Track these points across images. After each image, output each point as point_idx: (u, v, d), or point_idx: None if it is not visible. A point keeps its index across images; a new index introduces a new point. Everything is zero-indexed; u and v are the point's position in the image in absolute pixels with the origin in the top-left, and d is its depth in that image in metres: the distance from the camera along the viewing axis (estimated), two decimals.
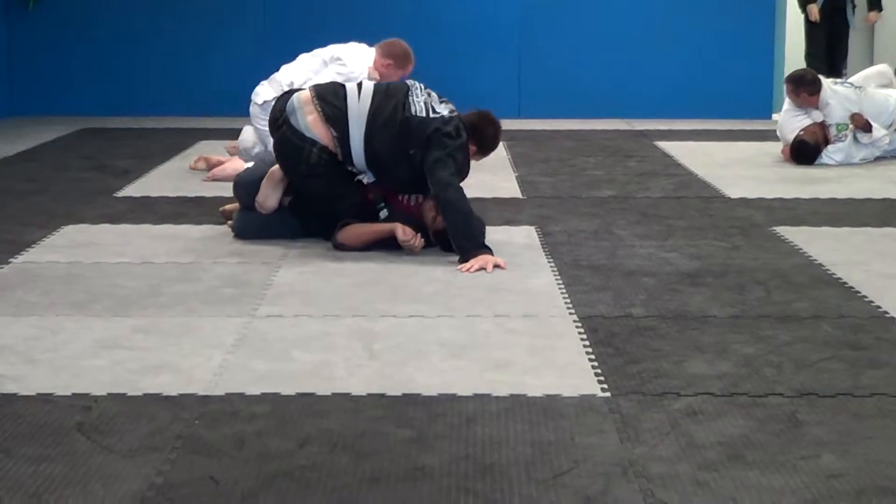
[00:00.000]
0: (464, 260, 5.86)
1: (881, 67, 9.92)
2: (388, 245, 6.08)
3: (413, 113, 6.13)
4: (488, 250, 5.89)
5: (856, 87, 9.15)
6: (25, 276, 5.61)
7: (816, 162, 8.95)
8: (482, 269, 5.76)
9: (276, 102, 6.42)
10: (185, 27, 12.10)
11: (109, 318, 4.94)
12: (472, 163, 6.28)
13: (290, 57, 11.82)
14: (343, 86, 6.36)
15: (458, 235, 5.94)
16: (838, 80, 9.56)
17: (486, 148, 6.34)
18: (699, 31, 11.92)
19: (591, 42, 12.10)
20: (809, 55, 12.03)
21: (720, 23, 11.81)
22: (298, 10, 12.08)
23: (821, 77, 9.24)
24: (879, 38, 13.46)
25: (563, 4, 12.08)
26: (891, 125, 9.11)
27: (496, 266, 5.77)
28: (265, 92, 7.92)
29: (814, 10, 11.89)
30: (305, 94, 6.30)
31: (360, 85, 6.33)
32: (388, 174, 6.21)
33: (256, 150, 8.06)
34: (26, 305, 5.13)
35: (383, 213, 6.21)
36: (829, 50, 11.95)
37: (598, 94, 12.08)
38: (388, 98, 6.22)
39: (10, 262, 5.87)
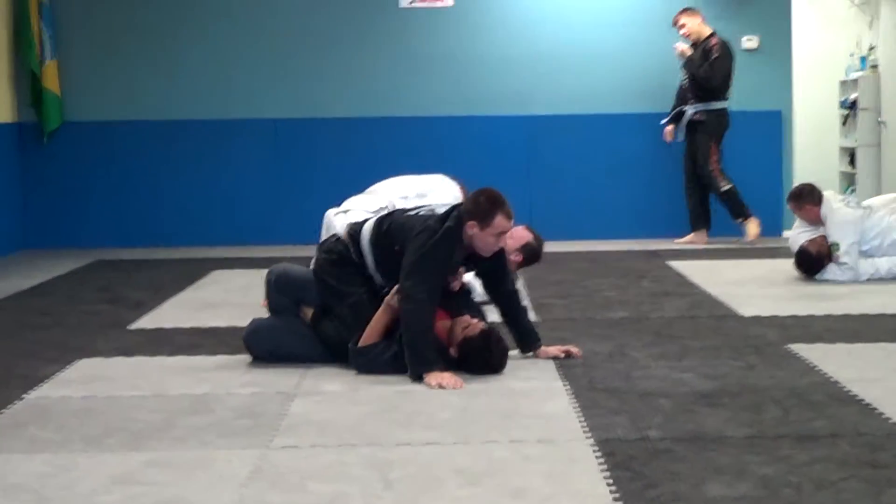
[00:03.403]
0: (413, 375, 5.97)
1: None
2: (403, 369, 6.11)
3: (402, 213, 6.43)
4: (438, 367, 5.95)
5: (863, 208, 9.17)
6: (38, 412, 5.59)
7: (822, 277, 8.96)
8: (440, 385, 5.83)
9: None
10: (197, 158, 12.22)
11: (123, 452, 4.92)
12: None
13: (301, 186, 12.04)
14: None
15: (407, 352, 6.02)
16: (850, 199, 9.53)
17: (484, 218, 6.16)
18: None
19: (601, 163, 12.21)
20: None
21: (729, 142, 11.87)
22: (310, 140, 12.21)
23: (823, 192, 9.28)
24: (885, 155, 13.53)
25: (571, 127, 12.20)
26: (879, 246, 9.09)
27: (447, 384, 5.84)
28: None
29: (667, 130, 11.79)
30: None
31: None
32: (392, 274, 6.26)
33: None
34: (39, 442, 5.10)
35: None
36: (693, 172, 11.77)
37: (610, 215, 12.15)
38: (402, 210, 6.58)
39: (23, 398, 5.85)
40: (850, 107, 14.18)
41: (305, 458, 4.80)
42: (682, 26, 11.59)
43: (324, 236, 7.93)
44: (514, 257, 7.74)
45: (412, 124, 12.19)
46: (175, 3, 12.20)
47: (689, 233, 11.75)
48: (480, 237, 6.18)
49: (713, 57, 11.38)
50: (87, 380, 6.25)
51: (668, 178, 12.01)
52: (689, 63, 11.50)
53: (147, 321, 8.00)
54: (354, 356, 6.23)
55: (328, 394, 5.85)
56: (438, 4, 12.17)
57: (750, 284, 9.03)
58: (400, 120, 12.20)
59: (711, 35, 11.53)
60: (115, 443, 5.05)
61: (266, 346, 6.51)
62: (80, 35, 12.18)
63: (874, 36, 13.90)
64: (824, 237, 9.07)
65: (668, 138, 11.75)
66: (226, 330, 7.48)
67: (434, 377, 5.89)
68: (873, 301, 8.13)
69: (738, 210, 11.58)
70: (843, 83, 14.51)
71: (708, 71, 11.37)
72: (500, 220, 6.16)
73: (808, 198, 9.20)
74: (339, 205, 8.19)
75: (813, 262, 9.03)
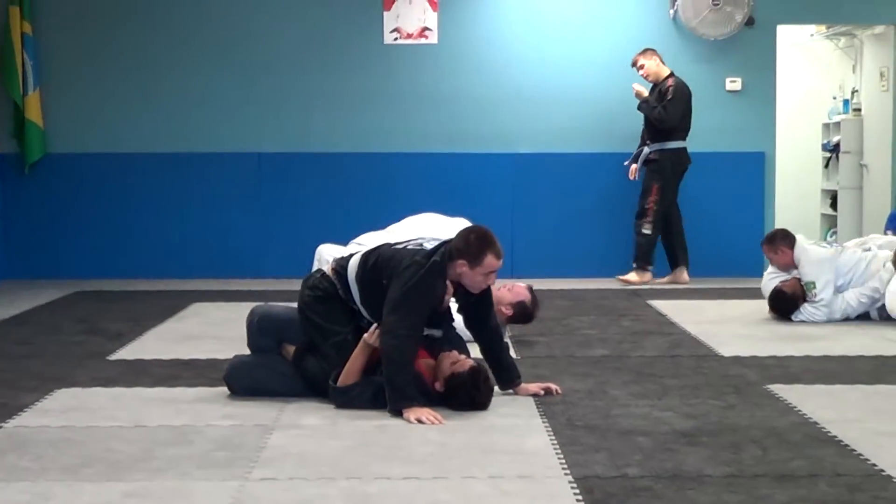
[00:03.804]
0: (392, 410, 5.98)
1: None
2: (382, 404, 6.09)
3: (389, 247, 6.37)
4: (418, 403, 5.95)
5: (833, 246, 9.28)
6: (17, 441, 5.57)
7: (797, 318, 9.01)
8: (419, 420, 5.85)
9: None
10: (180, 191, 12.20)
11: (101, 482, 4.90)
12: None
13: (284, 221, 12.04)
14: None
15: (387, 386, 6.02)
16: (821, 242, 9.64)
17: (474, 257, 6.13)
18: (690, 190, 11.99)
19: (583, 202, 12.22)
20: None
21: (711, 182, 11.93)
22: (293, 174, 12.20)
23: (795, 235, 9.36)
24: (867, 198, 13.59)
25: (554, 166, 12.21)
26: (850, 282, 9.12)
27: (426, 420, 5.85)
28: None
29: (631, 168, 11.83)
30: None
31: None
32: (379, 309, 6.21)
33: None
34: (17, 471, 5.08)
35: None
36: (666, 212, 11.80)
37: (591, 253, 12.16)
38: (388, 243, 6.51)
39: (1, 427, 5.83)
40: (833, 150, 14.26)
41: (284, 491, 4.78)
42: (641, 67, 11.66)
43: None
44: (506, 310, 7.77)
45: (396, 160, 12.20)
46: (159, 35, 12.20)
47: (668, 272, 11.76)
48: (469, 275, 6.18)
49: (667, 98, 11.44)
50: (66, 410, 6.23)
51: None
52: (644, 104, 11.56)
53: (127, 352, 7.98)
54: (334, 395, 6.21)
55: (307, 427, 5.84)
56: (423, 42, 12.21)
57: (730, 324, 9.05)
58: (383, 156, 12.21)
59: (669, 76, 11.60)
60: (94, 473, 5.03)
61: (246, 384, 6.48)
62: (63, 66, 12.17)
63: (857, 80, 14.00)
64: (797, 279, 9.13)
65: (631, 177, 11.82)
66: (206, 362, 7.47)
67: (413, 412, 5.89)
68: (852, 342, 8.15)
69: (643, 257, 11.63)
70: (826, 126, 14.60)
71: (662, 113, 11.43)
72: (490, 260, 6.15)
73: (782, 241, 9.28)
74: (329, 240, 8.20)
75: (788, 302, 9.08)
